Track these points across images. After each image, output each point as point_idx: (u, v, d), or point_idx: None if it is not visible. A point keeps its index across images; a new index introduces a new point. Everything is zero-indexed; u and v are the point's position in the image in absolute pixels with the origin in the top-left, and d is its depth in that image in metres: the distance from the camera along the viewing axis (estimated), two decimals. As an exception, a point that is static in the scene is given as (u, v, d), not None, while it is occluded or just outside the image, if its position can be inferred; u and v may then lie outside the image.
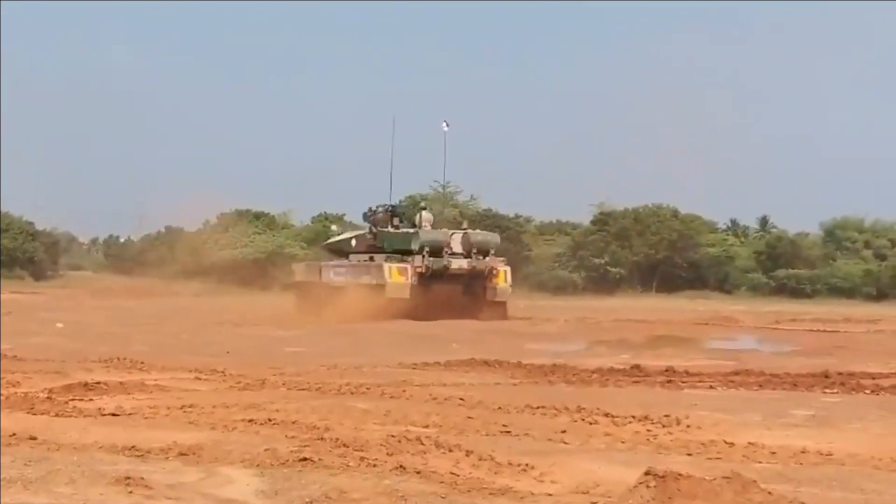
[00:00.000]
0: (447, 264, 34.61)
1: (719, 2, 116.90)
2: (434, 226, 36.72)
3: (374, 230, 35.90)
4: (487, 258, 35.47)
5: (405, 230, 35.84)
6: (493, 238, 37.25)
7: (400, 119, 61.51)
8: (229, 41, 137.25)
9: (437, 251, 34.62)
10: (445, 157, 40.66)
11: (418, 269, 34.11)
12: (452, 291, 34.28)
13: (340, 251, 36.98)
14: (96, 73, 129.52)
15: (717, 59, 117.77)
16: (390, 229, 35.85)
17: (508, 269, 35.92)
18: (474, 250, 35.22)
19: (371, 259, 34.82)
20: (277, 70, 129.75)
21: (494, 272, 35.37)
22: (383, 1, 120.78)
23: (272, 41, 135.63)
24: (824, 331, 28.85)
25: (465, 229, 36.43)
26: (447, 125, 40.02)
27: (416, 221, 36.36)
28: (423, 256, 34.25)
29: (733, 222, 69.39)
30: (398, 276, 33.81)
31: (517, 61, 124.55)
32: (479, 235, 36.66)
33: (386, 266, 33.95)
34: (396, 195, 45.55)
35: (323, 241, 39.65)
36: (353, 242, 36.21)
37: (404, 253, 34.46)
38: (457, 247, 35.14)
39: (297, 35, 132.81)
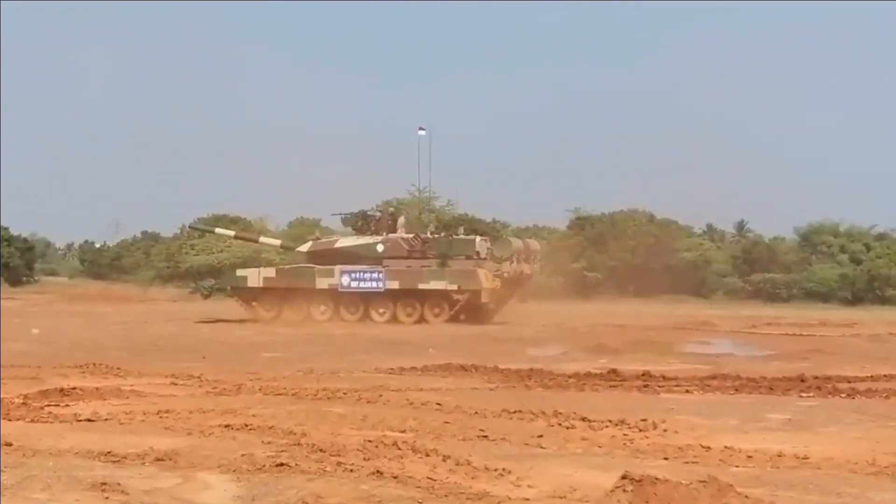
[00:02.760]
0: (523, 270, 36.80)
1: (697, 2, 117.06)
2: (409, 230, 36.85)
3: (420, 236, 35.96)
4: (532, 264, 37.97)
5: (468, 237, 36.69)
6: (539, 245, 39.64)
7: (379, 123, 61.62)
8: (209, 46, 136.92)
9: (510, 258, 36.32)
10: (419, 162, 40.72)
11: (506, 275, 35.40)
12: (505, 295, 36.09)
13: (347, 257, 36.24)
14: (72, 77, 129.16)
15: (695, 64, 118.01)
16: (447, 236, 36.83)
17: None
18: (533, 256, 37.72)
19: (444, 264, 35.03)
20: (256, 73, 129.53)
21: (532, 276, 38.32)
22: (361, 2, 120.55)
23: (252, 45, 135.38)
24: (800, 335, 28.96)
25: (464, 235, 37.39)
26: (422, 130, 40.17)
27: (398, 226, 36.60)
28: (511, 262, 35.85)
29: (709, 227, 69.52)
30: (491, 281, 34.64)
31: (496, 63, 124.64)
32: (535, 244, 39.20)
33: (480, 272, 34.41)
34: (374, 200, 45.59)
35: (303, 246, 38.98)
36: (381, 248, 35.78)
37: (479, 259, 35.19)
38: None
39: (278, 39, 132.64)
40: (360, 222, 37.44)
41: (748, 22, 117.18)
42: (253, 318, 35.37)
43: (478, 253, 35.12)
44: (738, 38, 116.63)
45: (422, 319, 34.16)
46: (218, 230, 48.06)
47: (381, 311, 34.75)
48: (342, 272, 35.36)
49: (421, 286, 34.57)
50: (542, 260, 40.29)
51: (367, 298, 35.05)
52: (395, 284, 34.82)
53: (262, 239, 45.30)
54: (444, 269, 34.69)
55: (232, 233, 47.48)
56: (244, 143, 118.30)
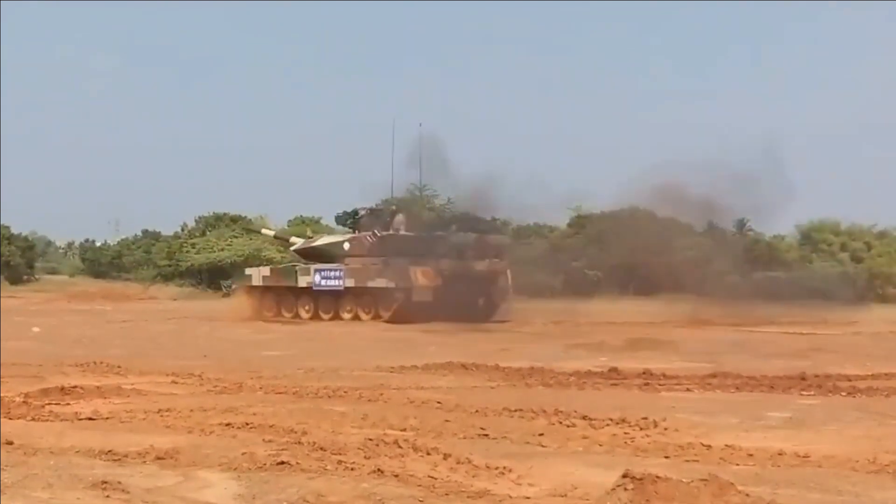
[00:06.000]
0: (471, 267, 35.41)
1: (699, 2, 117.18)
2: (408, 229, 36.73)
3: (377, 233, 35.82)
4: (498, 260, 36.54)
5: (424, 234, 36.21)
6: (505, 240, 38.28)
7: (379, 121, 61.67)
8: (207, 46, 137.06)
9: (461, 254, 35.31)
10: (421, 160, 40.64)
11: (444, 272, 34.59)
12: (468, 293, 34.81)
13: (325, 255, 36.49)
14: (73, 77, 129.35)
15: (695, 62, 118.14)
16: (398, 232, 36.03)
17: (508, 271, 36.82)
18: (492, 252, 36.29)
19: (386, 262, 34.80)
20: (252, 72, 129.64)
21: (505, 274, 36.58)
22: (359, 2, 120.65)
23: (249, 45, 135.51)
24: (801, 333, 28.92)
25: (453, 231, 36.72)
26: (421, 126, 40.06)
27: (394, 224, 36.41)
28: (450, 259, 34.89)
29: (710, 225, 69.34)
30: (424, 278, 34.17)
31: (496, 62, 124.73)
32: (494, 238, 37.41)
33: (412, 269, 34.07)
34: (373, 198, 45.48)
35: (296, 245, 39.34)
36: (347, 246, 35.89)
37: (422, 256, 34.68)
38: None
39: (274, 39, 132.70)
40: (351, 220, 37.62)
41: (748, 20, 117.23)
42: (254, 317, 35.52)
43: None
44: (737, 36, 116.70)
45: (377, 317, 34.08)
46: (264, 231, 48.37)
47: (347, 308, 34.79)
48: (315, 270, 35.63)
49: (370, 284, 34.48)
50: (508, 254, 38.72)
51: (337, 297, 35.13)
52: (351, 283, 34.87)
53: (293, 239, 45.51)
54: (387, 266, 34.62)
55: (272, 233, 47.82)
56: (244, 142, 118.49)
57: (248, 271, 38.88)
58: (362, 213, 37.84)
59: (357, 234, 36.45)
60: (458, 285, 34.43)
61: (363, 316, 34.36)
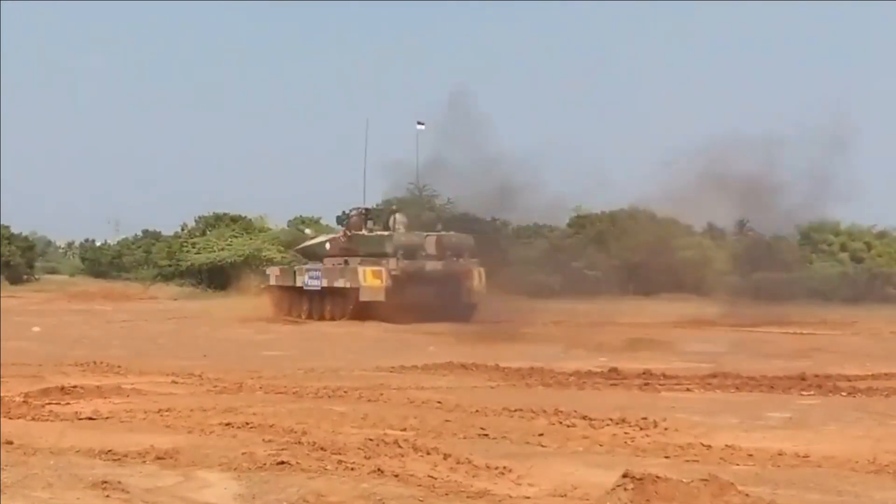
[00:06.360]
0: (422, 266, 34.60)
1: (699, 2, 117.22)
2: (409, 228, 36.57)
3: (348, 233, 35.82)
4: (462, 260, 35.53)
5: (379, 233, 35.68)
6: (467, 240, 36.74)
7: (379, 120, 61.59)
8: (205, 44, 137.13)
9: (411, 254, 34.63)
10: (418, 159, 40.62)
11: (393, 272, 34.01)
12: (428, 293, 33.80)
13: (314, 255, 36.96)
14: (72, 77, 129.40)
15: (695, 61, 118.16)
16: (364, 232, 35.81)
17: (482, 270, 35.76)
18: (448, 252, 35.32)
19: (346, 262, 34.74)
20: (252, 71, 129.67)
21: (470, 274, 35.37)
22: (357, 2, 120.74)
23: (248, 43, 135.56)
24: (801, 333, 28.91)
25: (439, 231, 36.29)
26: (421, 125, 39.92)
27: (390, 224, 36.29)
28: (398, 259, 34.25)
29: (710, 225, 69.31)
30: (373, 278, 33.74)
31: (495, 60, 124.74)
32: (452, 237, 36.25)
33: (360, 269, 33.80)
34: (373, 198, 45.53)
35: (297, 244, 39.77)
36: (328, 246, 36.15)
37: (379, 256, 34.34)
38: (431, 249, 35.09)
39: (274, 37, 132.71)
40: (345, 220, 37.81)
41: (746, 20, 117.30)
42: (273, 317, 35.55)
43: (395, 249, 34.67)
44: (735, 36, 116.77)
45: (342, 316, 33.82)
46: (307, 231, 48.60)
47: (328, 307, 34.79)
48: (306, 271, 35.85)
49: (335, 284, 34.52)
50: (473, 252, 37.87)
51: (322, 296, 35.14)
52: (325, 282, 34.98)
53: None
54: (346, 267, 34.60)
55: (311, 231, 48.06)
56: (244, 143, 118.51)
57: (267, 271, 39.66)
58: (352, 213, 37.84)
59: (336, 235, 36.65)
60: (414, 286, 33.84)
61: (335, 315, 34.24)
